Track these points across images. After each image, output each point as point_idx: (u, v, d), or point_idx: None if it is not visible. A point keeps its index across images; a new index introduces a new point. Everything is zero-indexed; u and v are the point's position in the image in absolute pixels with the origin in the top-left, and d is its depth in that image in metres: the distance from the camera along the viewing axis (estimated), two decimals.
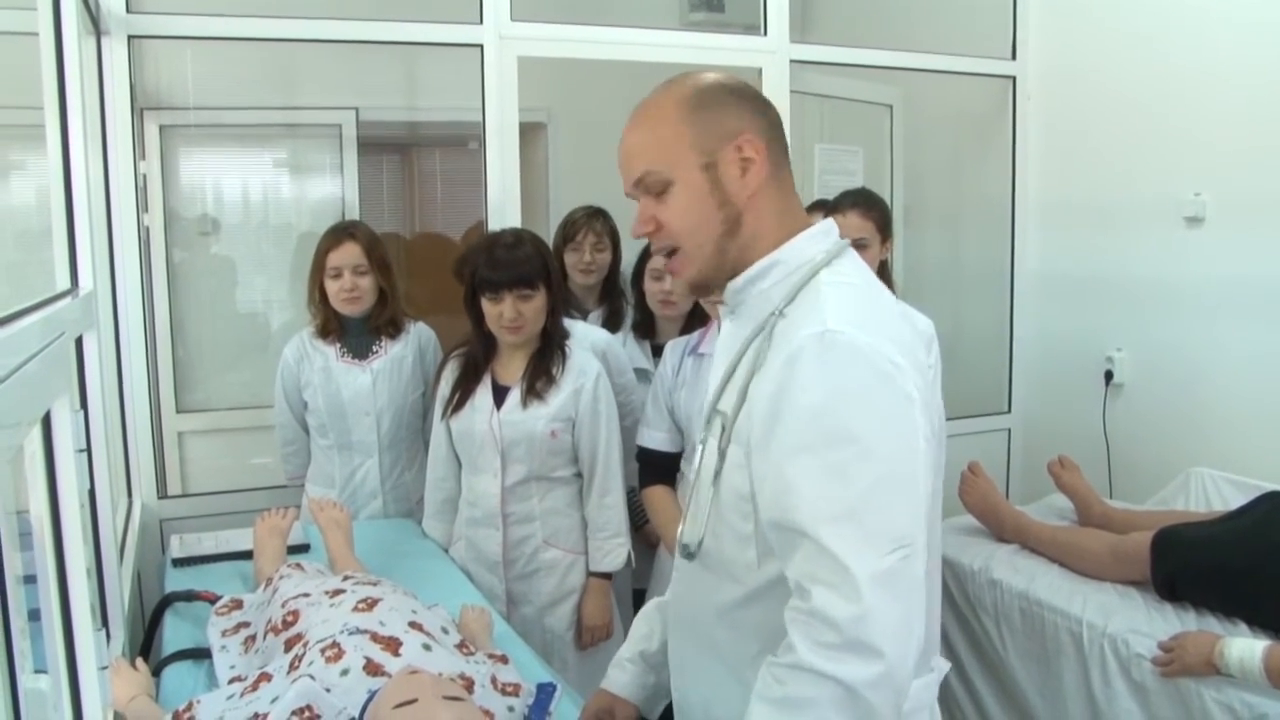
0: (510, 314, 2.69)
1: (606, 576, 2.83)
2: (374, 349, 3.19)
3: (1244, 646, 2.41)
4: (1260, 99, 3.30)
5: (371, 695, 1.62)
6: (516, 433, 2.75)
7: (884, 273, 3.08)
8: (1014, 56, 4.22)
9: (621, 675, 1.76)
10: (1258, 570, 2.64)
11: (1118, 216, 3.74)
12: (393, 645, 1.77)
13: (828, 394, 1.28)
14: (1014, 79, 4.22)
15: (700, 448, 1.51)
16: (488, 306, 2.71)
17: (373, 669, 1.70)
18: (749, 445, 1.38)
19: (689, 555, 1.51)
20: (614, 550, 2.81)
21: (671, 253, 1.49)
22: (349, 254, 3.08)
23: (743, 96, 1.49)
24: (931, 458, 1.36)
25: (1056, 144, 4.11)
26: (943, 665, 1.60)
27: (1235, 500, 3.15)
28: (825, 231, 1.49)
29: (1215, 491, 3.34)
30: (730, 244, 1.45)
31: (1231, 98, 3.38)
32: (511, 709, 1.79)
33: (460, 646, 1.96)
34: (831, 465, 1.26)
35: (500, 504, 2.78)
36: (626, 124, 1.51)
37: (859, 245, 2.93)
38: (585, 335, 3.07)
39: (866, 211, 2.98)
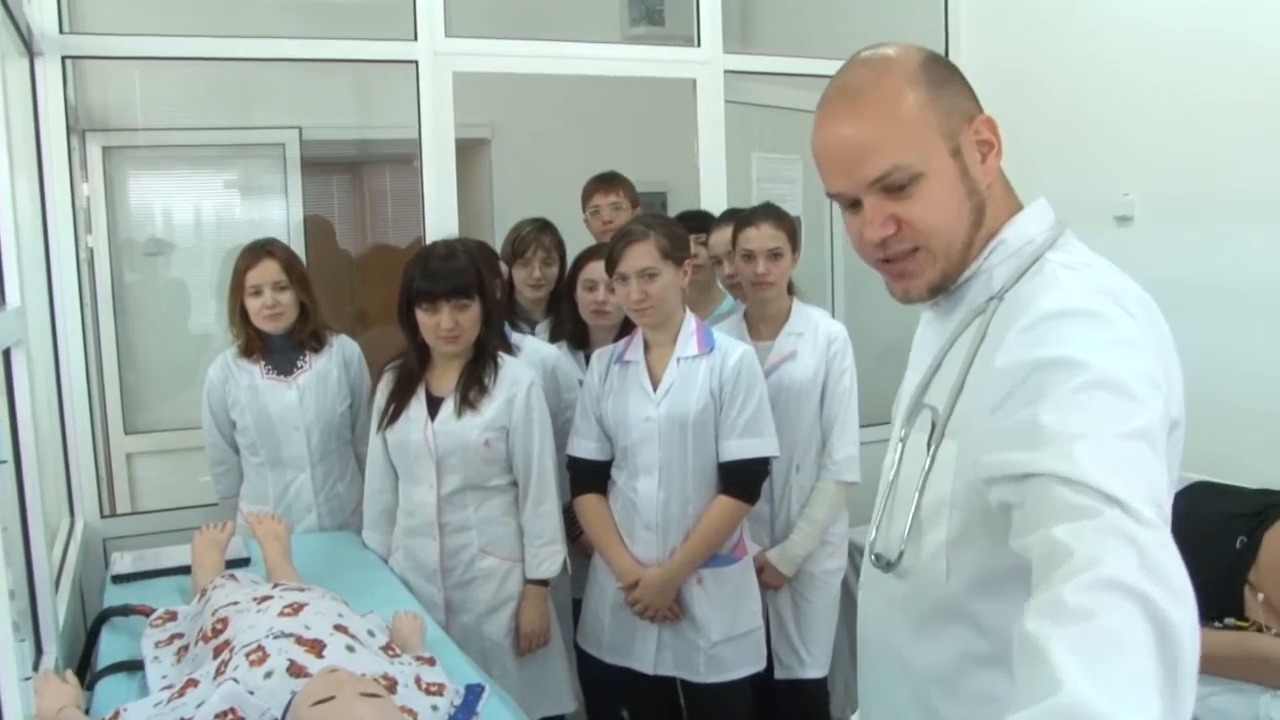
0: (448, 323, 2.71)
1: (543, 583, 2.85)
2: (299, 364, 3.20)
3: None
4: (1185, 101, 3.37)
5: (295, 696, 1.64)
6: (451, 442, 2.77)
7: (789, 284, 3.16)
8: None
9: None
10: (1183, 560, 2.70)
11: None
12: (316, 647, 1.79)
13: (1081, 350, 1.13)
14: None
15: (899, 445, 1.40)
16: (424, 317, 2.73)
17: (296, 670, 1.71)
18: (968, 426, 1.26)
19: (886, 566, 1.38)
20: (549, 557, 2.83)
21: (905, 254, 1.33)
22: (268, 271, 3.09)
23: (955, 70, 1.35)
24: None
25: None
26: None
27: None
28: (1043, 211, 1.37)
29: None
30: (976, 236, 1.33)
31: (1158, 99, 3.46)
32: (435, 708, 1.81)
33: (386, 649, 1.98)
34: (1095, 408, 1.09)
35: (436, 513, 2.80)
36: (832, 113, 1.32)
37: (776, 254, 2.99)
38: (535, 350, 3.10)
39: (779, 222, 3.03)
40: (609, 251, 2.79)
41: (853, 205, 1.33)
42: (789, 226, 3.06)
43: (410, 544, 2.85)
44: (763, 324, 3.13)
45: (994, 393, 1.19)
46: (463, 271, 2.74)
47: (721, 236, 3.27)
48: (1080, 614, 0.92)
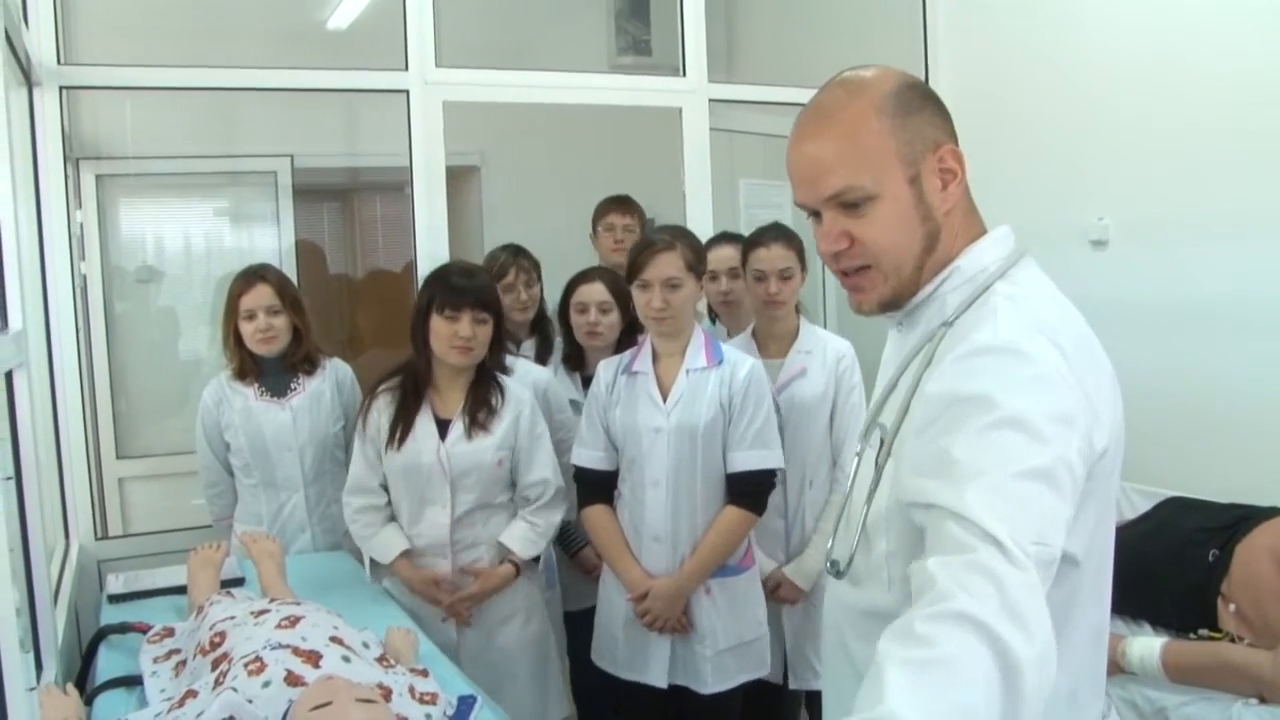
0: (466, 332, 2.75)
1: (516, 570, 2.88)
2: (292, 386, 3.26)
3: (1144, 645, 2.52)
4: (1157, 130, 3.45)
5: (292, 703, 1.69)
6: (466, 463, 2.81)
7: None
8: None
9: None
10: (1157, 573, 2.77)
11: (1027, 240, 3.79)
12: (313, 658, 1.84)
13: (997, 387, 1.17)
14: None
15: (856, 460, 1.46)
16: (442, 325, 2.77)
17: (293, 680, 1.76)
18: (904, 447, 1.31)
19: (838, 573, 1.43)
20: (534, 544, 2.89)
21: (857, 270, 1.38)
22: (261, 296, 3.16)
23: (930, 98, 1.39)
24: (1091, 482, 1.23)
25: (968, 173, 4.25)
26: None
27: (1144, 509, 3.27)
28: (1002, 239, 1.41)
29: (1126, 502, 3.45)
30: (928, 260, 1.37)
31: (1132, 128, 3.54)
32: (428, 717, 1.86)
33: (380, 660, 2.03)
34: (999, 446, 1.14)
35: (449, 533, 2.84)
36: (802, 130, 1.38)
37: (787, 275, 3.03)
38: (526, 373, 3.15)
39: (789, 243, 3.08)
40: (631, 258, 2.82)
41: (815, 216, 1.39)
42: (798, 246, 3.10)
43: (418, 564, 2.87)
44: (772, 342, 3.15)
45: (921, 418, 1.25)
46: (486, 288, 2.83)
47: (719, 254, 3.32)
48: (923, 641, 0.99)
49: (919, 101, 1.36)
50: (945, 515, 1.12)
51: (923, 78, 4.24)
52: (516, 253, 3.47)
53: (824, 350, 3.12)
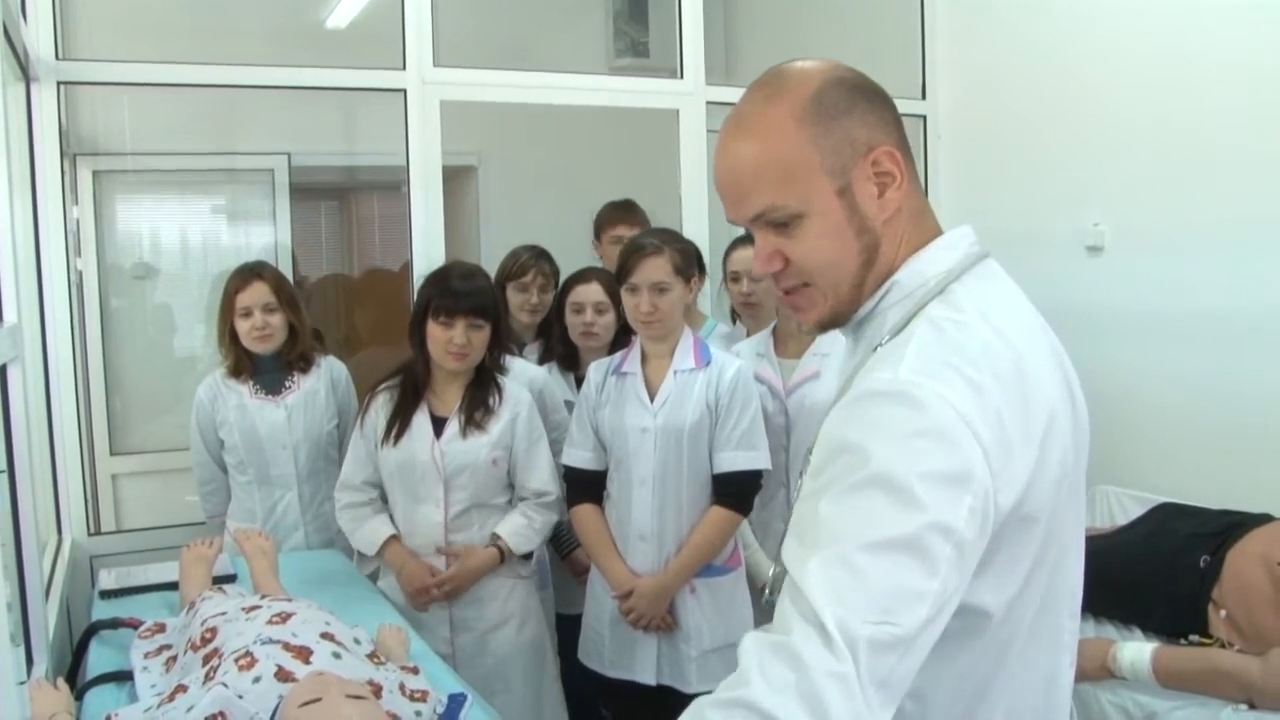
0: (460, 340, 2.76)
1: (501, 557, 2.86)
2: (287, 384, 3.28)
3: (1135, 650, 2.53)
4: (1153, 137, 3.48)
5: (282, 699, 1.69)
6: (460, 461, 2.82)
7: None
8: (924, 96, 4.39)
9: None
10: (1149, 579, 2.78)
11: (1024, 246, 3.83)
12: (304, 654, 1.84)
13: (876, 440, 1.08)
14: (925, 118, 4.38)
15: (796, 487, 1.33)
16: (437, 331, 2.77)
17: (284, 676, 1.76)
18: None
19: (766, 599, 1.30)
20: (529, 539, 2.88)
21: (793, 288, 1.28)
22: (258, 293, 3.17)
23: (862, 93, 1.24)
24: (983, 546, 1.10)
25: (966, 179, 4.27)
26: None
27: (1136, 514, 3.27)
28: (953, 244, 1.27)
29: (1119, 507, 3.48)
30: (868, 275, 1.25)
31: (1127, 135, 3.57)
32: (419, 714, 1.86)
33: (371, 656, 2.03)
34: (860, 511, 1.06)
35: (444, 533, 2.84)
36: (722, 143, 1.27)
37: None
38: (523, 372, 3.15)
39: None
40: (620, 261, 2.82)
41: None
42: None
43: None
44: (791, 341, 3.11)
45: (814, 461, 1.16)
46: (483, 292, 2.82)
47: (744, 255, 3.32)
48: None
49: (846, 101, 1.21)
50: (789, 584, 1.06)
51: (921, 83, 4.35)
52: (540, 255, 3.50)
53: (842, 353, 3.04)
